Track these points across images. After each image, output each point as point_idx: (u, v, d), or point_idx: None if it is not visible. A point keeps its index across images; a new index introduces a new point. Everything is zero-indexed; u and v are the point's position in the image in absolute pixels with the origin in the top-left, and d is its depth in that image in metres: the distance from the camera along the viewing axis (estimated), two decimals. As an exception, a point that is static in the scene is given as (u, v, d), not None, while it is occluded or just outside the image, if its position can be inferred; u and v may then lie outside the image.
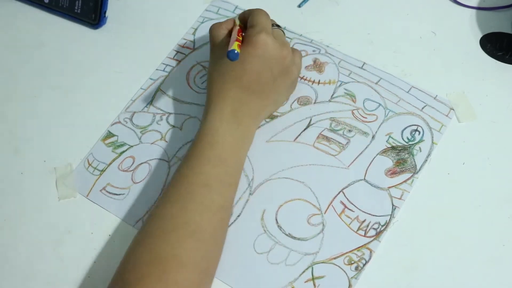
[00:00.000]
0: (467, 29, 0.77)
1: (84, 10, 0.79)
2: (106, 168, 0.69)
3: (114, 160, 0.70)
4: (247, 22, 0.67)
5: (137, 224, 0.65)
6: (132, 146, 0.70)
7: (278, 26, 0.69)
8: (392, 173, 0.67)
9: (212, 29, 0.68)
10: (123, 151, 0.70)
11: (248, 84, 0.64)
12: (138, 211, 0.66)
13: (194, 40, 0.78)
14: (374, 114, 0.71)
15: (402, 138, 0.69)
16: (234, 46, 0.61)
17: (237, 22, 0.68)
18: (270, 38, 0.64)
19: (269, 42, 0.63)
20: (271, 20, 0.69)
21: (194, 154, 0.62)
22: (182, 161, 0.63)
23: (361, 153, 0.69)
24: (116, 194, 0.67)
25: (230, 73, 0.64)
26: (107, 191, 0.68)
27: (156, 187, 0.67)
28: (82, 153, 0.70)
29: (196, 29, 0.79)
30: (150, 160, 0.69)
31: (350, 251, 0.63)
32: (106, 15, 0.79)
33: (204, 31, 0.78)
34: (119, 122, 0.72)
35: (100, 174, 0.69)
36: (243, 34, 0.66)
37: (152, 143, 0.70)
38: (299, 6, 0.80)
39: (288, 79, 0.68)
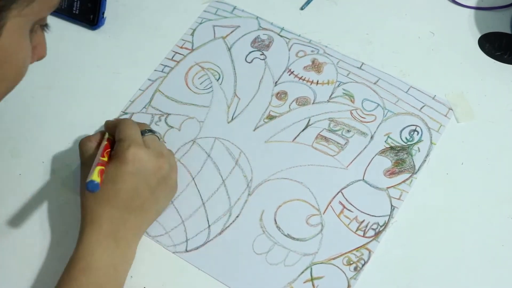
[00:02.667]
0: (466, 29, 0.77)
1: (82, 11, 0.79)
2: (105, 169, 0.69)
3: (112, 161, 0.69)
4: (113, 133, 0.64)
5: (136, 225, 0.65)
6: (130, 147, 0.70)
7: (150, 131, 0.65)
8: (390, 173, 0.67)
9: (80, 144, 0.65)
10: (122, 152, 0.70)
11: (124, 204, 0.59)
12: (136, 212, 0.66)
13: (192, 41, 0.78)
14: (373, 115, 0.71)
15: (401, 138, 0.69)
16: (94, 175, 0.56)
17: (106, 135, 0.64)
18: (142, 151, 0.60)
19: (141, 156, 0.59)
20: (143, 125, 0.66)
21: (66, 284, 0.57)
22: None
23: (359, 153, 0.69)
24: (115, 195, 0.67)
25: (103, 192, 0.58)
26: None
27: (155, 188, 0.67)
28: (81, 154, 0.70)
29: (194, 30, 0.79)
30: (148, 161, 0.69)
31: (349, 252, 0.63)
32: (104, 16, 0.79)
33: (202, 32, 0.78)
34: (118, 123, 0.72)
35: (99, 175, 0.68)
36: (111, 150, 0.62)
37: (150, 144, 0.70)
38: (302, 8, 0.80)
39: (167, 187, 0.63)
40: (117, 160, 0.60)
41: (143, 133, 0.64)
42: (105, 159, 0.60)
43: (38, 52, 0.53)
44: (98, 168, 0.57)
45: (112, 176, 0.59)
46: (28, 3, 0.46)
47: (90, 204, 0.60)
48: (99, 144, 0.64)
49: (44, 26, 0.52)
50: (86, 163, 0.63)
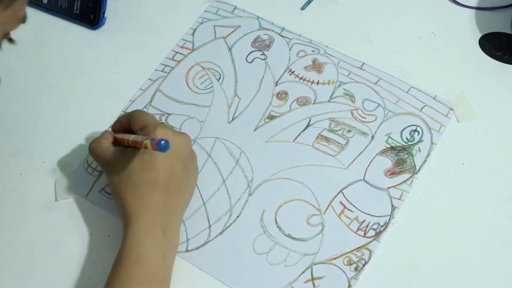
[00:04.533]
0: (466, 29, 0.77)
1: (83, 11, 0.79)
2: (105, 169, 0.69)
3: (113, 161, 0.69)
4: (126, 128, 0.64)
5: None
6: (131, 147, 0.70)
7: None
8: (391, 173, 0.67)
9: (93, 147, 0.64)
10: (122, 152, 0.70)
11: (163, 186, 0.60)
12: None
13: (193, 40, 0.78)
14: (373, 115, 0.71)
15: (402, 138, 0.69)
16: (150, 139, 0.57)
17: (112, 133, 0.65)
18: (168, 129, 0.61)
19: (169, 134, 0.60)
20: None
21: (119, 276, 0.57)
22: (106, 282, 0.58)
23: (360, 153, 0.69)
24: (115, 195, 0.67)
25: (144, 179, 0.59)
26: (106, 192, 0.67)
27: (156, 187, 0.67)
28: (82, 154, 0.70)
29: (195, 30, 0.79)
30: (149, 160, 0.69)
31: (350, 252, 0.63)
32: (105, 15, 0.79)
33: (203, 32, 0.78)
34: (118, 123, 0.72)
35: (100, 175, 0.68)
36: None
37: (151, 144, 0.70)
38: (302, 8, 0.80)
39: (194, 164, 0.64)
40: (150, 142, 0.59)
41: None
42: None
43: None
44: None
45: (146, 162, 0.59)
46: (2, 10, 0.46)
47: (132, 193, 0.60)
48: (116, 141, 0.64)
49: (10, 40, 0.53)
50: (113, 159, 0.62)
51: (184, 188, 0.62)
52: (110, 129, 0.66)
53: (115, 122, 0.66)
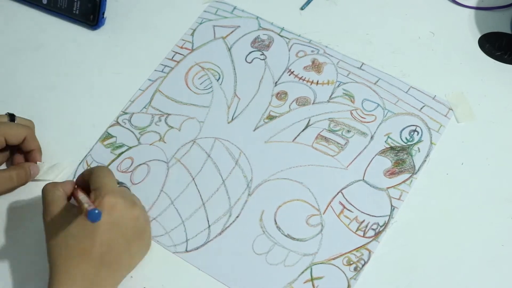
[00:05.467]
0: (466, 29, 0.77)
1: (83, 11, 0.79)
2: (105, 169, 0.69)
3: (113, 161, 0.69)
4: (88, 184, 0.59)
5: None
6: (131, 147, 0.70)
7: (121, 183, 0.63)
8: (390, 173, 0.67)
9: (45, 189, 0.59)
10: (122, 152, 0.70)
11: (100, 257, 0.56)
12: (137, 212, 0.66)
13: (192, 41, 0.78)
14: (373, 115, 0.71)
15: (401, 139, 0.69)
16: (91, 206, 0.53)
17: (75, 186, 0.61)
18: (119, 199, 0.57)
19: (118, 205, 0.56)
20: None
21: None
22: None
23: (359, 153, 0.69)
24: (115, 195, 0.67)
25: (77, 246, 0.55)
26: None
27: (155, 187, 0.67)
28: (81, 154, 0.70)
29: (194, 30, 0.79)
30: (148, 161, 0.69)
31: (349, 252, 0.63)
32: (105, 16, 0.79)
33: (202, 32, 0.78)
34: (118, 123, 0.72)
35: (99, 175, 0.68)
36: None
37: (151, 144, 0.70)
38: (302, 8, 0.80)
39: (142, 242, 0.60)
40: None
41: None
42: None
43: None
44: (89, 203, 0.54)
45: (85, 229, 0.55)
46: None
47: (61, 257, 0.56)
48: (66, 193, 0.60)
49: None
50: (52, 212, 0.58)
51: (122, 263, 0.58)
52: (74, 180, 0.63)
53: (80, 175, 0.62)
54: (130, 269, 0.61)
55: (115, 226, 0.56)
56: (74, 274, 0.55)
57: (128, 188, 0.64)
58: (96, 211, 0.52)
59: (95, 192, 0.57)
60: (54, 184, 0.60)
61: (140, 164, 0.69)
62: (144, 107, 0.73)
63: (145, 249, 0.62)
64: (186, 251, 0.64)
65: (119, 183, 0.63)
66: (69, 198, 0.60)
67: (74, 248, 0.56)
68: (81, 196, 0.57)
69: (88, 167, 0.69)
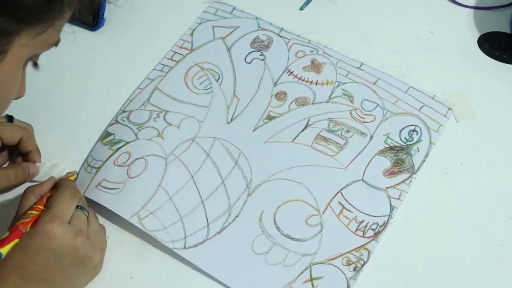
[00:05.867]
0: (465, 28, 0.77)
1: (82, 12, 0.79)
2: (102, 165, 0.69)
3: (110, 156, 0.69)
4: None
5: (133, 218, 0.64)
6: (128, 142, 0.70)
7: (82, 208, 0.61)
8: (390, 173, 0.67)
9: (24, 193, 0.61)
10: (119, 147, 0.70)
11: (32, 274, 0.56)
12: (133, 205, 0.65)
13: (192, 41, 0.78)
14: (372, 115, 0.71)
15: (400, 139, 0.69)
16: (5, 244, 0.55)
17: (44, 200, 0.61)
18: (61, 228, 0.57)
19: (57, 233, 0.56)
20: (80, 199, 0.62)
21: None
22: None
23: (359, 153, 0.69)
24: (111, 189, 0.67)
25: (12, 259, 0.56)
26: (102, 186, 0.67)
27: (153, 181, 0.67)
28: (81, 155, 0.70)
29: (194, 30, 0.79)
30: (146, 155, 0.69)
31: (349, 252, 0.63)
32: (104, 16, 0.79)
33: (202, 32, 0.78)
34: (117, 121, 0.72)
35: (97, 172, 0.68)
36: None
37: (148, 139, 0.70)
38: (301, 8, 0.80)
39: (84, 269, 0.60)
40: (33, 229, 0.57)
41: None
42: (27, 229, 0.57)
43: (19, 91, 0.53)
44: (13, 239, 0.56)
45: (25, 244, 0.56)
46: (36, 35, 0.46)
47: (0, 265, 0.57)
48: (41, 197, 0.61)
49: (35, 64, 0.53)
50: (18, 218, 0.60)
51: (58, 283, 0.58)
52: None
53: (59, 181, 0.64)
54: None
55: (50, 251, 0.57)
56: (5, 284, 0.56)
57: (86, 213, 0.61)
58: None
59: (43, 212, 0.58)
60: (33, 189, 0.62)
61: (137, 159, 0.69)
62: (143, 104, 0.73)
63: (89, 275, 0.62)
64: (185, 247, 0.63)
65: (81, 208, 0.61)
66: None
67: (9, 260, 0.56)
68: (33, 209, 0.59)
69: (89, 166, 0.69)
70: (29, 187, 0.62)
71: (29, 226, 0.58)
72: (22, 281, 0.56)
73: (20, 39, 0.45)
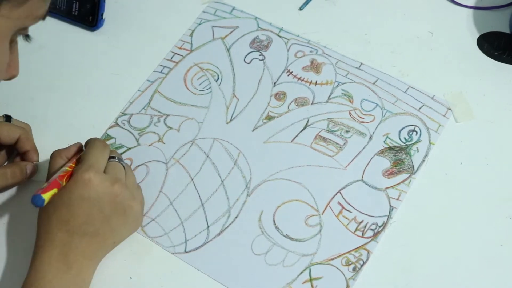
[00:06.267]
0: (464, 28, 0.77)
1: (82, 13, 0.79)
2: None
3: (112, 162, 0.69)
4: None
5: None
6: (130, 148, 0.70)
7: (119, 159, 0.63)
8: (389, 173, 0.67)
9: (52, 155, 0.62)
10: (121, 153, 0.70)
11: (77, 227, 0.58)
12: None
13: (191, 41, 0.78)
14: (372, 115, 0.71)
15: (400, 139, 0.69)
16: (45, 191, 0.55)
17: (75, 157, 0.62)
18: (98, 176, 0.58)
19: (94, 181, 0.57)
20: (113, 151, 0.64)
21: None
22: None
23: (358, 153, 0.69)
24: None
25: (56, 215, 0.58)
26: None
27: (154, 188, 0.67)
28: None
29: (193, 31, 0.79)
30: (148, 162, 0.69)
31: (348, 252, 0.63)
32: (103, 17, 0.79)
33: (201, 32, 0.78)
34: (117, 124, 0.72)
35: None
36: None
37: (150, 145, 0.70)
38: (300, 9, 0.80)
39: (126, 218, 0.61)
40: (71, 182, 0.58)
41: (108, 159, 0.62)
42: (63, 182, 0.58)
43: (11, 69, 0.52)
44: (51, 188, 0.56)
45: (66, 198, 0.57)
46: (19, 5, 0.44)
47: (44, 225, 0.59)
48: (68, 159, 0.62)
49: (26, 36, 0.51)
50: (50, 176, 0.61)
51: (103, 236, 0.60)
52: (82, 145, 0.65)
53: (87, 140, 0.64)
54: (114, 243, 0.62)
55: (90, 200, 0.57)
56: (54, 241, 0.58)
57: (123, 165, 0.63)
58: (39, 196, 0.54)
59: (79, 165, 0.59)
60: (60, 152, 0.62)
61: (140, 165, 0.69)
62: (143, 108, 0.73)
63: (132, 225, 0.63)
64: (185, 251, 0.64)
65: (116, 158, 0.62)
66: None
67: (53, 217, 0.58)
68: (65, 166, 0.59)
69: None
70: (55, 151, 0.63)
71: (64, 179, 0.58)
72: (69, 236, 0.58)
73: (0, 10, 0.44)
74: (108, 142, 0.71)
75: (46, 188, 0.56)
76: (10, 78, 0.53)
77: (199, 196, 0.67)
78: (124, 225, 0.61)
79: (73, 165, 0.61)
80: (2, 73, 0.50)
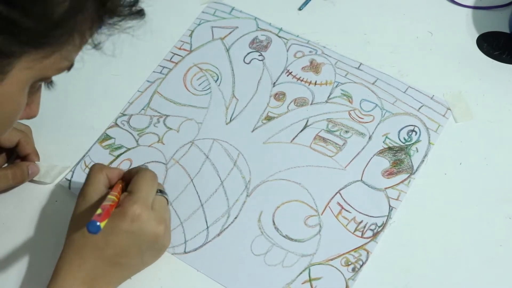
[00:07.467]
0: (464, 28, 0.77)
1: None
2: (103, 171, 0.69)
3: (111, 162, 0.69)
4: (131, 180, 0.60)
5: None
6: (129, 149, 0.70)
7: (162, 192, 0.61)
8: (389, 173, 0.67)
9: (92, 168, 0.61)
10: (121, 154, 0.70)
11: (111, 257, 0.57)
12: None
13: (190, 42, 0.78)
14: (371, 115, 0.71)
15: (399, 139, 0.69)
16: (103, 220, 0.52)
17: (118, 181, 0.61)
18: (146, 213, 0.56)
19: (143, 218, 0.56)
20: (159, 184, 0.62)
21: None
22: None
23: (358, 154, 0.69)
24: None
25: (92, 240, 0.56)
26: None
27: (154, 189, 0.67)
28: (79, 156, 0.70)
29: (192, 31, 0.79)
30: (147, 162, 0.69)
31: (347, 252, 0.63)
32: (103, 17, 0.79)
33: (200, 33, 0.78)
34: (116, 125, 0.72)
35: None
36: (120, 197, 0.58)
37: (149, 146, 0.70)
38: (300, 9, 0.80)
39: (158, 253, 0.61)
40: (118, 212, 0.56)
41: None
42: (113, 203, 0.56)
43: (30, 111, 0.51)
44: (106, 216, 0.54)
45: (108, 227, 0.55)
46: (40, 60, 0.43)
47: (76, 245, 0.57)
48: (109, 179, 0.61)
49: (49, 83, 0.51)
50: (86, 193, 0.59)
51: (131, 267, 0.60)
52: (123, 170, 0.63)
53: (127, 171, 0.63)
54: (138, 271, 0.61)
55: (133, 235, 0.56)
56: (83, 263, 0.56)
57: (167, 200, 0.62)
58: (97, 224, 0.51)
59: (128, 196, 0.57)
60: (102, 167, 0.61)
61: (139, 166, 0.69)
62: (143, 109, 0.73)
63: (157, 258, 0.62)
64: (185, 252, 0.64)
65: (160, 192, 0.61)
66: (111, 187, 0.61)
67: (88, 241, 0.56)
68: (112, 194, 0.57)
69: (87, 167, 0.69)
70: (97, 164, 0.61)
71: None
72: (100, 263, 0.57)
73: (22, 62, 0.42)
74: (108, 142, 0.71)
75: (103, 216, 0.53)
76: (29, 118, 0.52)
77: (199, 197, 0.67)
78: (152, 259, 0.61)
79: (118, 194, 0.58)
80: (16, 119, 0.49)
